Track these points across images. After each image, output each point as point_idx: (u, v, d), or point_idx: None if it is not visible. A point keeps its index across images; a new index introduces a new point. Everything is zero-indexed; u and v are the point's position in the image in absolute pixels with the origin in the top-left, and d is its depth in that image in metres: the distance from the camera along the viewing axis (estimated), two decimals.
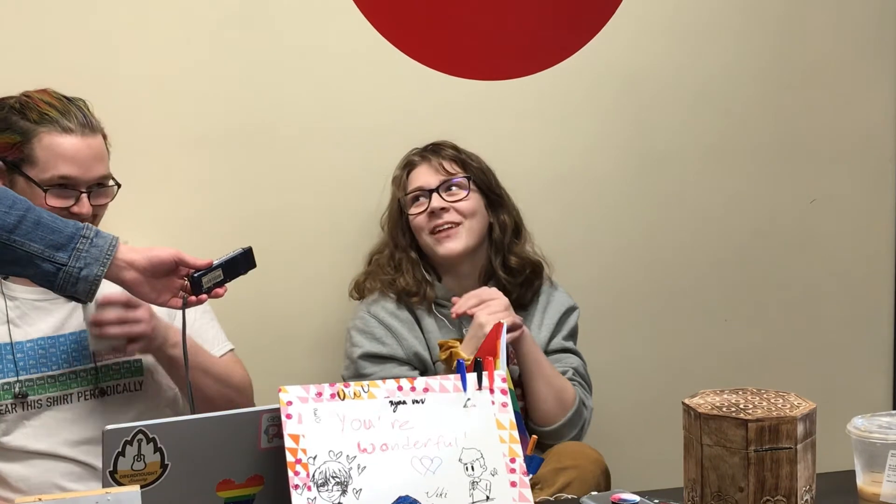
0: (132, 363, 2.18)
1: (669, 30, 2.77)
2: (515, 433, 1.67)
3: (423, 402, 1.65)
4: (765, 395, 1.69)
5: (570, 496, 2.03)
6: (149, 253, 1.86)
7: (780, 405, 1.64)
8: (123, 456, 1.53)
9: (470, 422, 1.65)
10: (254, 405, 2.24)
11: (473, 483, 1.61)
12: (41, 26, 2.38)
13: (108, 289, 1.92)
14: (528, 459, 1.68)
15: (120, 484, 1.53)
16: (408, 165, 2.47)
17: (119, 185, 2.18)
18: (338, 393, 1.62)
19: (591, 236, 2.72)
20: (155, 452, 1.54)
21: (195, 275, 1.89)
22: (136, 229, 2.24)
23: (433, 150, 2.46)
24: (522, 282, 2.44)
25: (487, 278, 2.46)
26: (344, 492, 1.55)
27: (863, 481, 1.72)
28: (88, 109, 2.16)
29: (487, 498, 1.61)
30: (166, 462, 1.55)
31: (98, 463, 1.63)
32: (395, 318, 2.39)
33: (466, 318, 2.42)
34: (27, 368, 2.09)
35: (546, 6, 2.68)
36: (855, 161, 2.94)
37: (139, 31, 2.44)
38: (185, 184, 2.50)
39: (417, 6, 2.61)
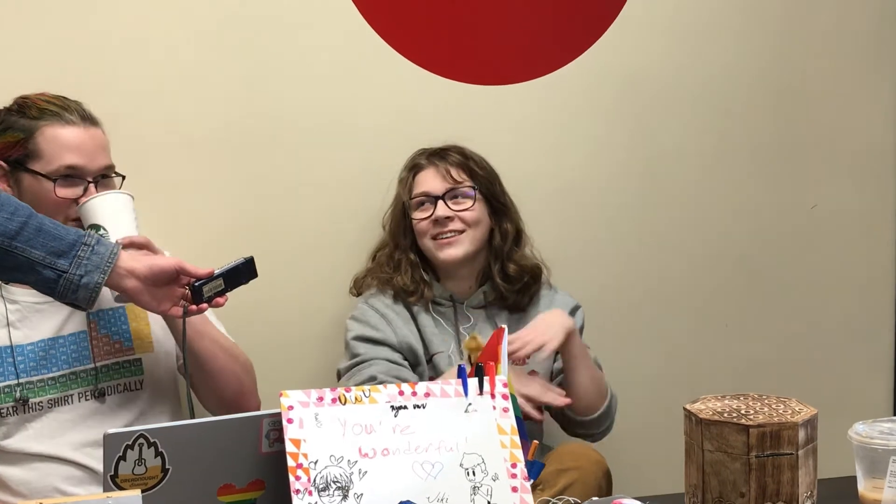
0: (132, 362, 2.19)
1: (670, 33, 2.77)
2: (517, 438, 1.67)
3: (424, 407, 1.65)
4: (766, 401, 1.69)
5: (571, 498, 2.04)
6: (150, 261, 1.87)
7: (781, 411, 1.64)
8: (124, 460, 1.53)
9: (471, 427, 1.65)
10: (257, 391, 2.27)
11: (475, 488, 1.61)
12: (41, 28, 2.38)
13: (132, 229, 1.99)
14: (529, 465, 1.68)
15: (121, 488, 1.53)
16: (414, 168, 2.47)
17: (123, 177, 2.19)
18: (339, 397, 1.62)
19: (591, 241, 2.72)
20: (156, 457, 1.54)
21: (196, 284, 1.90)
22: (138, 231, 2.24)
23: (440, 155, 2.46)
24: (520, 288, 2.45)
25: (485, 280, 2.47)
26: (345, 496, 1.55)
27: (864, 487, 1.72)
28: (86, 109, 2.18)
29: (488, 503, 1.61)
30: (167, 466, 1.55)
31: (99, 466, 1.63)
32: (390, 310, 2.41)
33: (464, 319, 2.43)
34: (27, 371, 2.09)
35: (547, 10, 2.68)
36: (856, 166, 2.94)
37: (139, 33, 2.44)
38: (185, 186, 2.50)
39: (418, 9, 2.61)
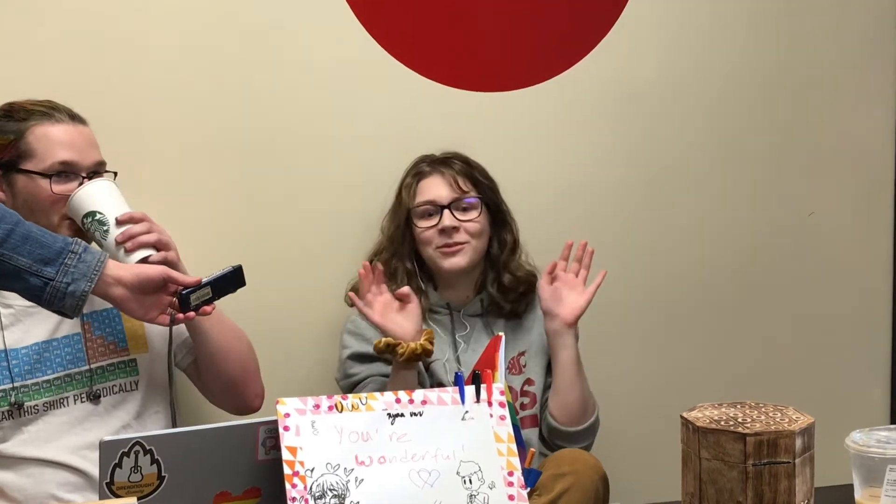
0: (127, 363, 2.18)
1: (669, 39, 2.77)
2: (514, 446, 1.66)
3: (421, 415, 1.65)
4: (763, 409, 1.69)
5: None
6: (137, 270, 1.87)
7: (778, 419, 1.64)
8: (120, 468, 1.53)
9: (468, 435, 1.65)
10: (260, 376, 2.28)
11: (471, 496, 1.61)
12: (36, 33, 2.38)
13: (126, 208, 2.02)
14: (526, 473, 1.68)
15: (117, 496, 1.53)
16: (419, 175, 2.46)
17: (115, 174, 2.19)
18: (336, 405, 1.62)
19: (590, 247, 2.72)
20: (152, 464, 1.54)
21: (183, 292, 1.90)
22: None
23: (445, 163, 2.45)
24: (515, 297, 2.45)
25: (481, 288, 2.47)
26: None
27: (861, 496, 1.72)
28: (73, 110, 2.19)
29: None
30: (163, 474, 1.55)
31: (95, 469, 1.63)
32: None
33: (461, 326, 2.43)
34: (22, 375, 2.08)
35: (547, 17, 2.68)
36: (854, 175, 2.94)
37: (139, 40, 2.43)
38: (183, 193, 2.50)
39: (417, 17, 2.60)
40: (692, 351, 2.85)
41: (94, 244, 2.00)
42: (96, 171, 2.15)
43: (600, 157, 2.76)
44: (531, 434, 2.40)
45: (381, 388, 2.28)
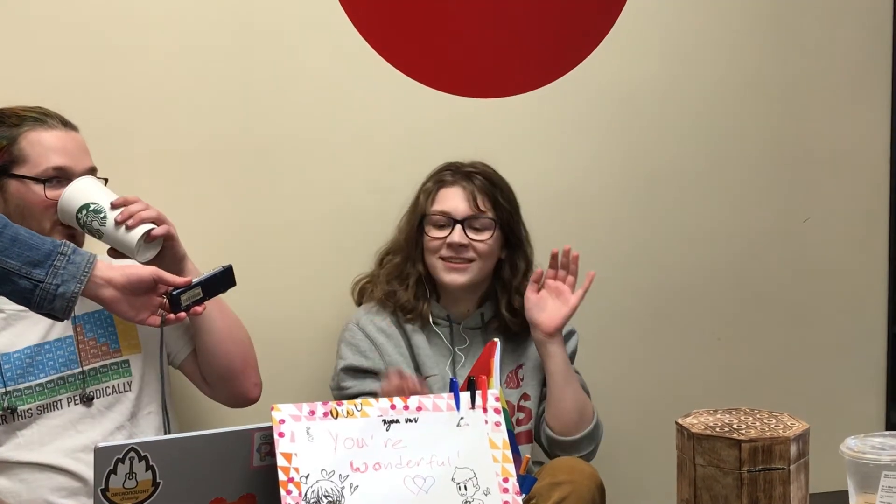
0: (120, 364, 2.18)
1: (663, 45, 2.77)
2: (509, 453, 1.67)
3: (416, 421, 1.65)
4: (758, 416, 1.69)
5: None
6: (127, 270, 1.86)
7: (773, 425, 1.64)
8: (115, 474, 1.52)
9: (463, 441, 1.65)
10: (258, 367, 2.27)
11: (466, 503, 1.61)
12: (34, 38, 2.37)
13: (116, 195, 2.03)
14: (521, 479, 1.68)
15: (112, 502, 1.53)
16: (440, 182, 2.43)
17: (106, 181, 2.18)
18: (331, 411, 1.61)
19: (584, 253, 2.71)
20: (147, 470, 1.54)
21: (174, 293, 1.89)
22: None
23: (468, 176, 2.41)
24: (523, 320, 2.41)
25: (483, 301, 2.45)
26: None
27: (856, 502, 1.72)
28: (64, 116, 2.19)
29: None
30: (158, 480, 1.55)
31: (90, 472, 1.62)
32: (382, 334, 2.38)
33: (460, 340, 2.42)
34: (14, 379, 2.08)
35: (542, 23, 2.68)
36: (849, 180, 2.94)
37: (136, 44, 2.43)
38: (177, 199, 2.49)
39: (412, 23, 2.60)
40: (687, 357, 2.85)
41: (84, 248, 2.00)
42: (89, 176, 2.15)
43: (596, 161, 2.76)
44: (525, 451, 2.37)
45: None
